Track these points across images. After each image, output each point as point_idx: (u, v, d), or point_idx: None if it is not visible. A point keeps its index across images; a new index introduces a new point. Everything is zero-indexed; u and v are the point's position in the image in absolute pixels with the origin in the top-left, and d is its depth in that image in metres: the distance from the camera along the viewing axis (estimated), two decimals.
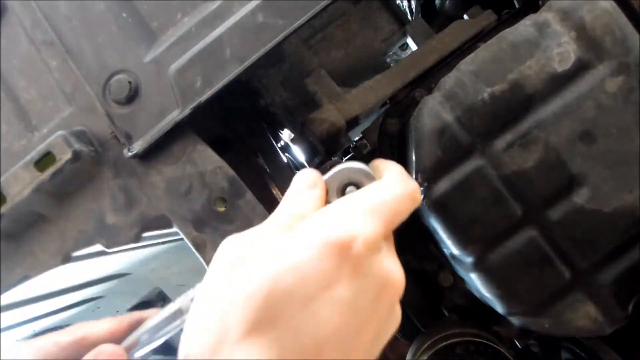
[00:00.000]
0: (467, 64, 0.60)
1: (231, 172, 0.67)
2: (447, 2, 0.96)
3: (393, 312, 0.38)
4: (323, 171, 0.46)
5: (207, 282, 0.37)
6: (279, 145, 0.89)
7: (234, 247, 0.38)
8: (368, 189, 0.41)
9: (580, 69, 0.56)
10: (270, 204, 0.74)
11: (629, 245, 0.58)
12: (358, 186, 0.46)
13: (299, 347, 0.33)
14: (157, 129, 0.63)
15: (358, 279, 0.35)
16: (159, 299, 1.52)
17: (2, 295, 0.68)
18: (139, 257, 1.11)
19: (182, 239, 0.72)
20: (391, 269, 0.38)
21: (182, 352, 0.35)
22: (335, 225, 0.36)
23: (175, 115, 0.62)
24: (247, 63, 0.61)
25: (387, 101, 0.77)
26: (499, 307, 0.62)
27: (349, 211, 0.37)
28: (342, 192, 0.46)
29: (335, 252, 0.34)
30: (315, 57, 0.83)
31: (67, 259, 0.67)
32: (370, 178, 0.46)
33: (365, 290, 0.35)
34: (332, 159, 0.77)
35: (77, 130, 0.65)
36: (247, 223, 0.71)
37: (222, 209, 0.70)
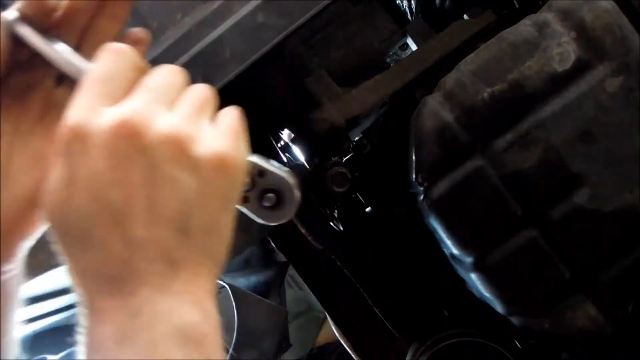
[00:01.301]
0: (467, 64, 0.60)
1: None
2: (447, 2, 0.95)
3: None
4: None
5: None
6: (279, 145, 0.89)
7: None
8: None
9: (580, 69, 0.56)
10: None
11: (629, 245, 0.58)
12: (278, 194, 0.46)
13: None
14: None
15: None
16: None
17: None
18: None
19: None
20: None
21: None
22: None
23: None
24: (247, 63, 0.61)
25: (387, 101, 0.77)
26: (499, 307, 0.62)
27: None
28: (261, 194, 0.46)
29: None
30: (315, 57, 0.83)
31: None
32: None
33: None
34: (332, 159, 0.77)
35: None
36: (247, 223, 0.71)
37: None
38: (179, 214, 0.33)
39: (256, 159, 0.47)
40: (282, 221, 0.48)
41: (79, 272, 0.33)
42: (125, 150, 0.31)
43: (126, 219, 0.31)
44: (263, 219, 0.48)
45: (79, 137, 0.31)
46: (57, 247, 0.34)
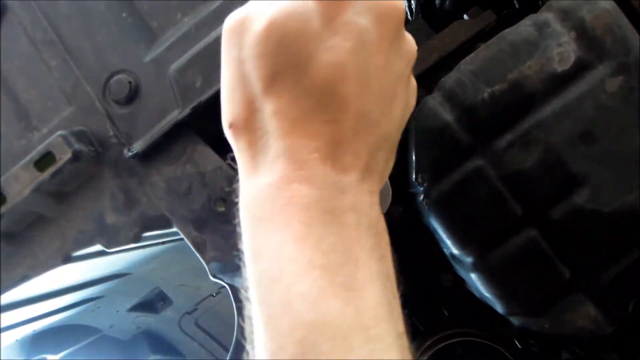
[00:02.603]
0: (467, 64, 0.60)
1: (231, 172, 0.67)
2: (447, 2, 0.95)
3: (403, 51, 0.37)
4: None
5: (223, 60, 0.37)
6: None
7: (234, 18, 0.38)
8: None
9: (580, 69, 0.56)
10: None
11: (629, 245, 0.58)
12: None
13: (319, 81, 0.32)
14: (157, 129, 0.63)
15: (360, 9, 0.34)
16: (159, 299, 1.52)
17: (2, 295, 0.68)
18: (139, 257, 1.11)
19: (182, 239, 0.72)
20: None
21: (224, 123, 0.36)
22: None
23: (176, 115, 0.62)
24: None
25: None
26: (499, 307, 0.62)
27: None
28: None
29: None
30: None
31: (67, 259, 0.67)
32: None
33: (370, 21, 0.34)
34: None
35: (77, 130, 0.65)
36: None
37: (222, 209, 0.70)
38: (387, 124, 0.35)
39: None
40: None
41: (300, 123, 0.33)
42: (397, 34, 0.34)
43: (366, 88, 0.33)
44: None
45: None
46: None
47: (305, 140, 0.32)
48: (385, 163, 0.38)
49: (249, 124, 0.34)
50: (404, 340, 0.32)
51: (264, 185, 0.32)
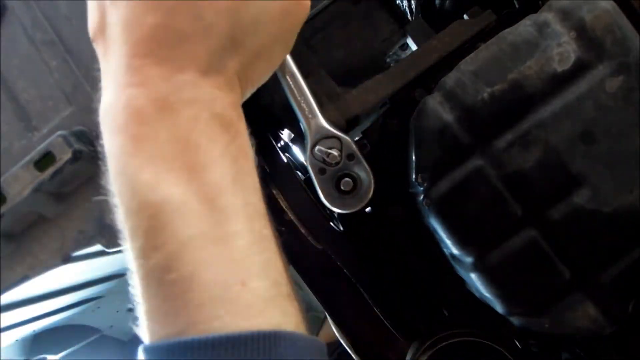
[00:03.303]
0: (467, 64, 0.60)
1: None
2: (447, 2, 0.95)
3: None
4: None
5: None
6: (279, 145, 0.89)
7: None
8: None
9: (580, 69, 0.56)
10: (270, 204, 0.74)
11: (629, 245, 0.58)
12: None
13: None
14: None
15: None
16: None
17: (2, 295, 0.68)
18: None
19: None
20: None
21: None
22: None
23: None
24: None
25: (387, 101, 0.77)
26: (499, 307, 0.62)
27: None
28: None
29: None
30: (315, 57, 0.83)
31: (67, 259, 0.67)
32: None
33: None
34: None
35: (77, 130, 0.65)
36: None
37: None
38: (233, 27, 0.35)
39: (351, 141, 0.48)
40: (347, 210, 0.49)
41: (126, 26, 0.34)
42: None
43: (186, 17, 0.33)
44: (328, 200, 0.49)
45: None
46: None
47: (139, 47, 0.33)
48: (241, 65, 0.38)
49: (102, 33, 0.36)
50: (253, 209, 0.35)
51: (108, 93, 0.35)
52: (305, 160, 0.50)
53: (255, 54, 0.38)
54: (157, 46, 0.33)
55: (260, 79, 0.42)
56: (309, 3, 0.40)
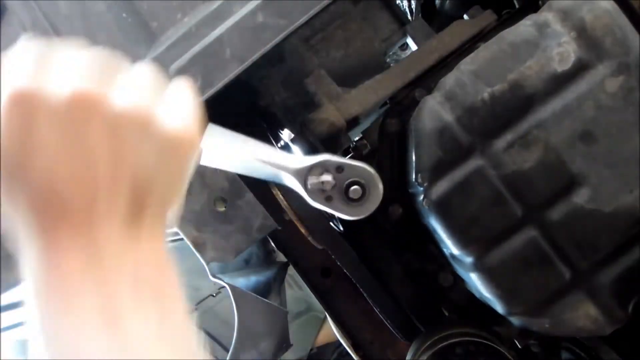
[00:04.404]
0: (467, 64, 0.60)
1: (231, 172, 0.67)
2: (447, 2, 0.95)
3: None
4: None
5: None
6: (279, 145, 0.89)
7: None
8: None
9: (580, 69, 0.56)
10: (270, 204, 0.74)
11: (629, 245, 0.58)
12: (362, 186, 0.46)
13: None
14: None
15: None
16: None
17: (2, 295, 0.68)
18: None
19: (182, 239, 0.72)
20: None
21: None
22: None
23: None
24: (247, 63, 0.61)
25: (387, 101, 0.77)
26: (499, 307, 0.62)
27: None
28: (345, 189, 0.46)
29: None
30: (315, 57, 0.83)
31: None
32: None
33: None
34: None
35: None
36: (247, 223, 0.71)
37: (222, 209, 0.70)
38: (140, 182, 0.34)
39: (330, 156, 0.47)
40: (368, 213, 0.48)
41: (26, 206, 0.33)
42: (87, 119, 0.32)
43: (90, 182, 0.32)
44: (349, 215, 0.49)
45: (34, 102, 0.31)
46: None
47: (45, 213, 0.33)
48: (150, 214, 0.36)
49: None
50: None
51: (27, 257, 0.36)
52: (310, 203, 0.49)
53: (161, 204, 0.37)
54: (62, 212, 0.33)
55: (175, 202, 0.40)
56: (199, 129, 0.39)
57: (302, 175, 0.48)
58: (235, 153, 0.47)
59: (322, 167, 0.48)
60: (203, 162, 0.46)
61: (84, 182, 0.32)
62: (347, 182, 0.47)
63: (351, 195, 0.48)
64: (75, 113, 0.32)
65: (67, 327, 0.32)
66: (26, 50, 0.34)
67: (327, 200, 0.48)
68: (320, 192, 0.48)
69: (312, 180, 0.48)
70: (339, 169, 0.48)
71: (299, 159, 0.48)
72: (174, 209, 0.39)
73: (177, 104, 0.37)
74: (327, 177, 0.48)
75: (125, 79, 0.35)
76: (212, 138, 0.45)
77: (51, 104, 0.31)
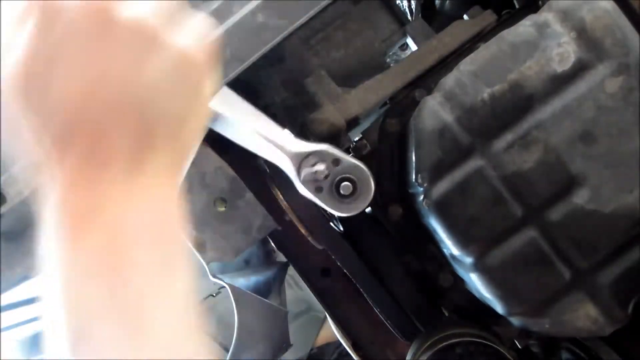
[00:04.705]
0: (467, 64, 0.60)
1: (231, 172, 0.67)
2: (447, 2, 0.95)
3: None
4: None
5: None
6: None
7: None
8: None
9: (580, 69, 0.56)
10: (270, 204, 0.74)
11: (629, 246, 0.58)
12: (353, 182, 0.46)
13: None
14: None
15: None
16: None
17: (2, 295, 0.68)
18: None
19: None
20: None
21: None
22: None
23: None
24: (247, 63, 0.61)
25: (387, 101, 0.77)
26: (499, 307, 0.62)
27: None
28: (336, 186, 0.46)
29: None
30: (315, 57, 0.83)
31: None
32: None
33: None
34: None
35: None
36: (247, 223, 0.71)
37: (222, 209, 0.70)
38: (149, 95, 0.33)
39: (329, 147, 0.47)
40: (355, 211, 0.48)
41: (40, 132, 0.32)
42: (102, 27, 0.31)
43: (99, 95, 0.32)
44: (336, 209, 0.49)
45: (49, 10, 0.31)
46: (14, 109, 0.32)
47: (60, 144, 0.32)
48: (164, 155, 0.35)
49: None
50: (175, 318, 0.34)
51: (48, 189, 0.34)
52: (299, 189, 0.49)
53: (172, 137, 0.36)
54: (78, 146, 0.32)
55: (190, 150, 0.39)
56: (208, 51, 0.38)
57: (298, 159, 0.48)
58: (242, 122, 0.47)
59: (319, 157, 0.48)
60: (212, 125, 0.46)
61: (92, 104, 0.32)
62: (339, 177, 0.47)
63: (342, 190, 0.48)
64: (89, 24, 0.31)
65: (70, 270, 0.32)
66: None
67: (317, 190, 0.48)
68: (312, 182, 0.48)
69: (306, 167, 0.48)
70: (336, 161, 0.48)
71: (298, 143, 0.48)
72: (189, 144, 0.38)
73: (194, 27, 0.36)
74: (321, 167, 0.47)
75: None
76: (225, 98, 0.46)
77: (65, 15, 0.31)
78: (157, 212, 0.34)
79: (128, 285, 0.32)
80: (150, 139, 0.34)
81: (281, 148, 0.47)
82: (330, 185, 0.48)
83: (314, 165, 0.48)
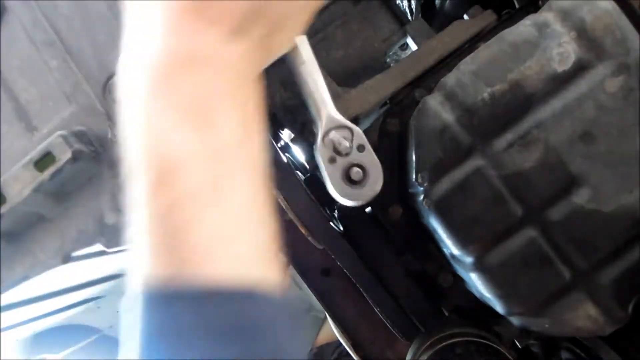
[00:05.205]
0: (467, 64, 0.60)
1: None
2: (447, 2, 0.95)
3: None
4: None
5: None
6: (279, 145, 0.89)
7: None
8: None
9: (580, 69, 0.56)
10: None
11: (629, 245, 0.58)
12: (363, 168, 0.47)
13: None
14: None
15: None
16: None
17: (2, 295, 0.68)
18: None
19: None
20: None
21: None
22: None
23: None
24: None
25: (387, 101, 0.77)
26: (499, 307, 0.62)
27: None
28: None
29: None
30: (315, 57, 0.83)
31: (67, 259, 0.67)
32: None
33: None
34: None
35: (77, 130, 0.65)
36: None
37: None
38: None
39: (361, 133, 0.48)
40: (356, 201, 0.49)
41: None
42: None
43: None
44: (337, 191, 0.49)
45: None
46: None
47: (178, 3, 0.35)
48: (265, 31, 0.39)
49: None
50: (254, 169, 0.37)
51: (142, 41, 0.36)
52: (315, 149, 0.51)
53: (277, 23, 0.40)
54: (195, 3, 0.35)
55: (280, 49, 0.44)
56: None
57: (332, 122, 0.49)
58: (313, 66, 0.50)
59: (349, 133, 0.49)
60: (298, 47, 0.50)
61: None
62: (357, 162, 0.48)
63: (352, 175, 0.48)
64: None
65: (157, 109, 0.33)
66: None
67: (330, 160, 0.49)
68: (331, 150, 0.49)
69: (334, 133, 0.49)
70: (360, 147, 0.48)
71: (338, 112, 0.49)
72: (290, 37, 0.43)
73: None
74: (346, 142, 0.48)
75: None
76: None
77: None
78: (244, 74, 0.37)
79: (217, 135, 0.34)
80: (260, 13, 0.37)
81: (326, 105, 0.49)
82: (343, 164, 0.49)
83: (342, 136, 0.49)
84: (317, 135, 0.50)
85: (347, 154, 0.48)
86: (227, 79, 0.35)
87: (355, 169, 0.48)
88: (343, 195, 0.49)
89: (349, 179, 0.49)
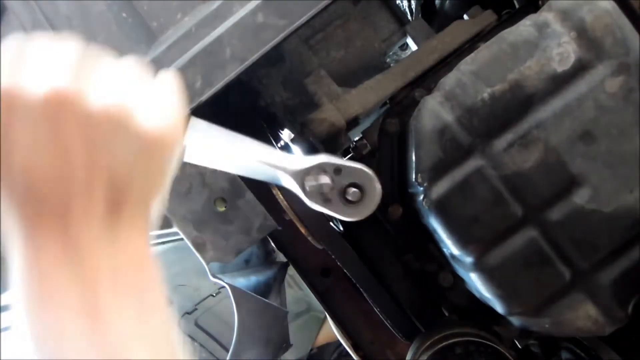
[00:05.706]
0: (467, 64, 0.60)
1: (231, 172, 0.67)
2: (447, 2, 0.95)
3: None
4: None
5: None
6: (279, 145, 0.89)
7: None
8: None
9: (580, 69, 0.56)
10: (270, 204, 0.74)
11: (629, 245, 0.58)
12: (361, 189, 0.46)
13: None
14: None
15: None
16: None
17: (2, 295, 0.68)
18: None
19: (182, 239, 0.72)
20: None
21: None
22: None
23: None
24: (247, 63, 0.61)
25: (387, 101, 0.77)
26: (499, 307, 0.62)
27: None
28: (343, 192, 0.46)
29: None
30: (315, 57, 0.83)
31: None
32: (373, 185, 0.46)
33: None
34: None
35: None
36: (247, 223, 0.71)
37: (222, 209, 0.70)
38: (117, 180, 0.34)
39: (328, 157, 0.47)
40: (367, 214, 0.48)
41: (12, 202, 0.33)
42: (62, 118, 0.32)
43: (65, 180, 0.33)
44: (348, 216, 0.49)
45: (10, 101, 0.31)
46: None
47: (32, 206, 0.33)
48: (132, 207, 0.36)
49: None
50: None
51: (16, 247, 0.35)
52: (308, 204, 0.49)
53: (140, 198, 0.37)
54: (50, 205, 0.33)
55: (156, 200, 0.40)
56: (179, 130, 0.39)
57: (300, 176, 0.47)
58: (227, 150, 0.47)
59: (320, 169, 0.48)
60: (187, 159, 0.46)
61: (58, 181, 0.33)
62: (345, 185, 0.47)
63: (349, 197, 0.48)
64: (51, 112, 0.32)
65: (48, 324, 0.33)
66: (5, 49, 0.34)
67: (326, 202, 0.48)
68: (319, 194, 0.48)
69: (310, 182, 0.47)
70: (337, 170, 0.47)
71: (297, 159, 0.48)
72: (156, 207, 0.40)
73: (158, 101, 0.37)
74: (325, 179, 0.47)
75: (106, 75, 0.35)
76: (198, 133, 0.44)
77: (27, 102, 0.32)
78: (130, 264, 0.36)
79: (107, 329, 0.33)
80: (119, 207, 0.35)
81: (280, 168, 0.47)
82: (339, 195, 0.48)
83: (317, 177, 0.48)
84: (300, 195, 0.48)
85: (333, 188, 0.48)
86: (109, 276, 0.34)
87: (351, 190, 0.47)
88: (354, 218, 0.49)
89: (349, 202, 0.48)
